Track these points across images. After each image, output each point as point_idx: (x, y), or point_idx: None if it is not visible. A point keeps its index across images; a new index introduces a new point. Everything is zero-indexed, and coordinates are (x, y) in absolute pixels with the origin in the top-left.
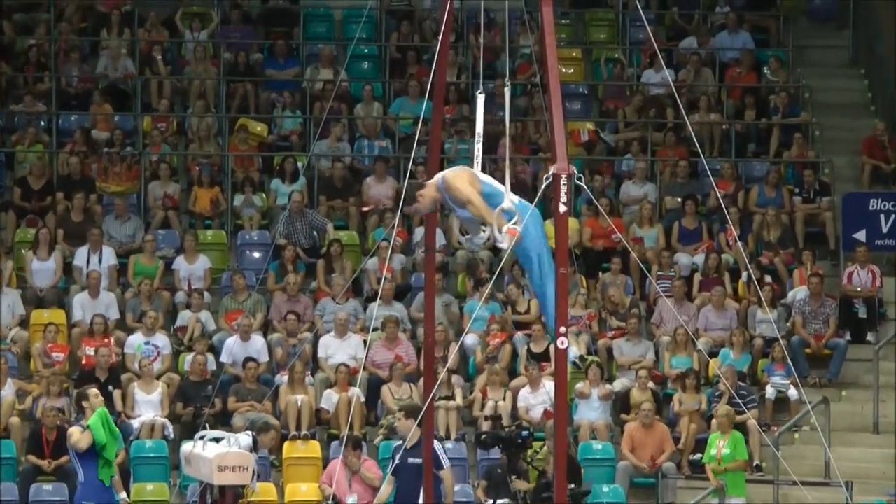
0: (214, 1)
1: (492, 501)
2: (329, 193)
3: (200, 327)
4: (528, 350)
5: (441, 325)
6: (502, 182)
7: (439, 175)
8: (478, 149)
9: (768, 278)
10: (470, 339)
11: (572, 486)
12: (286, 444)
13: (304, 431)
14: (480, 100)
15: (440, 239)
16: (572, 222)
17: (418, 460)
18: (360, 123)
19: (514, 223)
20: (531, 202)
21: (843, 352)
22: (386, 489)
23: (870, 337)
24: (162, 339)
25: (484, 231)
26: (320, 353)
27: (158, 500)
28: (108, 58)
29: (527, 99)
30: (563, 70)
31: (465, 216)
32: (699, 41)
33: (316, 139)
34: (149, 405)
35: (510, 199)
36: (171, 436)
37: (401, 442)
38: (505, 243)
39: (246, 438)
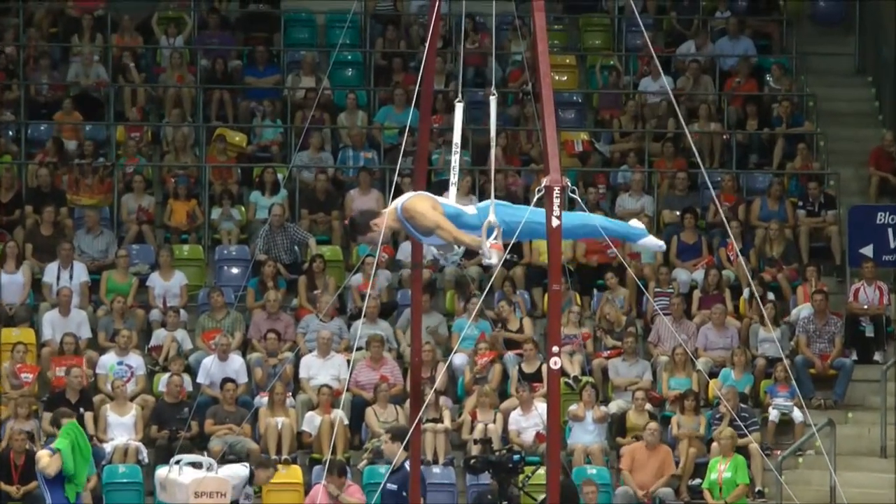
0: (191, 4)
1: None
2: (311, 206)
3: (176, 347)
4: (520, 370)
5: (428, 344)
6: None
7: (397, 202)
8: (455, 159)
9: (771, 295)
10: (459, 358)
11: None
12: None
13: (284, 456)
14: (459, 108)
15: (427, 255)
16: None
17: (394, 486)
18: (343, 133)
19: (496, 238)
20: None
21: (849, 372)
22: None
23: (877, 356)
24: (136, 360)
25: (458, 247)
26: (302, 374)
27: None
28: (80, 65)
29: (518, 108)
30: (556, 77)
31: (432, 243)
32: (697, 44)
33: (297, 150)
34: (122, 428)
35: (473, 210)
36: (146, 460)
37: (389, 466)
38: (494, 259)
39: (243, 469)
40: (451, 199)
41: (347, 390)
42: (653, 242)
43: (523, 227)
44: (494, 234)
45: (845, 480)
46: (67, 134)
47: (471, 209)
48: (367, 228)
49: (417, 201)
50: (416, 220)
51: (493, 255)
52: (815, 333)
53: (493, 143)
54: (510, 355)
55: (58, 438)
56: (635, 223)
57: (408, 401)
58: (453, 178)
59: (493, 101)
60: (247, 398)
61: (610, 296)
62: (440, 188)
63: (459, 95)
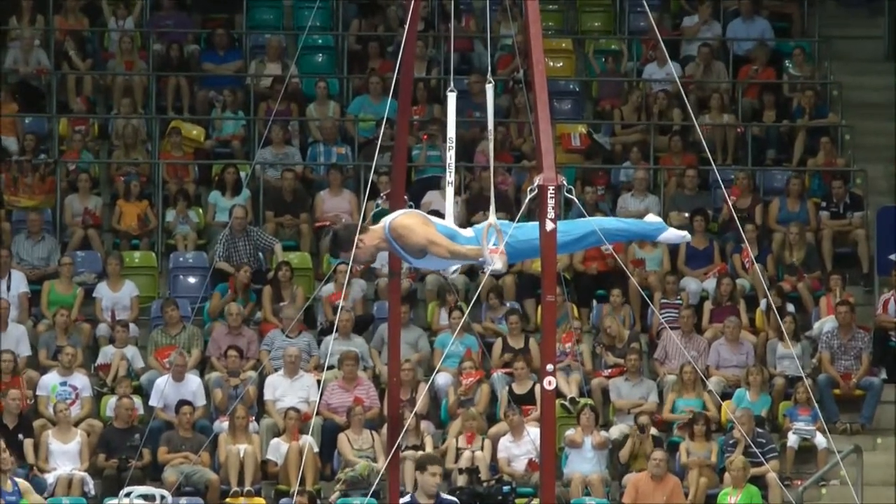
0: None
1: None
2: (277, 208)
3: (126, 365)
4: (510, 391)
5: (408, 362)
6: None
7: (385, 220)
8: (450, 156)
9: (791, 307)
10: (442, 378)
11: None
12: (227, 503)
13: (247, 487)
14: (451, 98)
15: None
16: None
17: None
18: (313, 126)
19: (496, 242)
20: (513, 218)
21: (877, 392)
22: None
23: None
24: (81, 380)
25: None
26: (266, 396)
27: None
28: (19, 50)
29: (508, 98)
30: (551, 64)
31: (425, 266)
32: (701, 16)
33: (261, 145)
34: (66, 457)
35: (470, 232)
36: (92, 492)
37: (364, 498)
38: (499, 265)
39: None
40: (448, 200)
41: (317, 414)
42: (675, 235)
43: (528, 246)
44: (494, 237)
45: None
46: (5, 128)
47: (467, 231)
48: (352, 245)
49: (406, 218)
50: (405, 239)
51: (496, 260)
52: (839, 349)
53: (490, 138)
54: (498, 375)
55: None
56: (651, 218)
57: (385, 426)
58: (449, 177)
59: (489, 89)
60: (205, 423)
61: (610, 310)
62: (421, 188)
63: (451, 84)
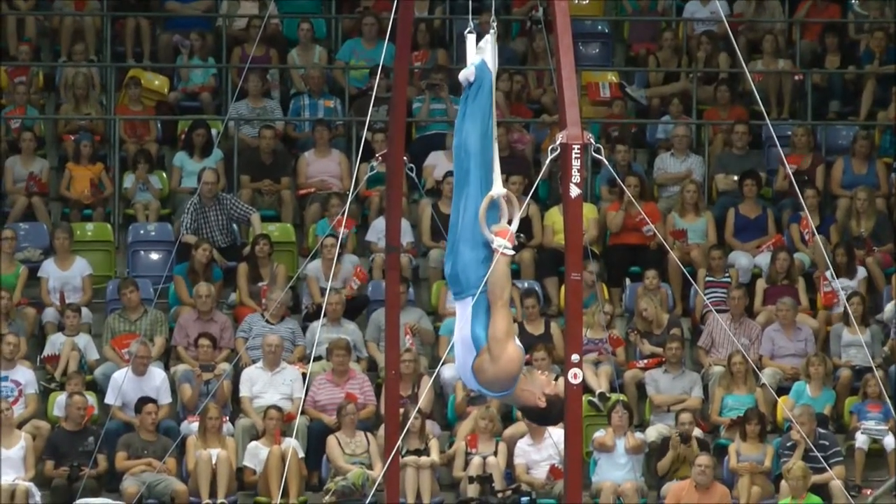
0: None
1: None
2: (254, 172)
3: (78, 357)
4: None
5: (409, 352)
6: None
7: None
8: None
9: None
10: (448, 371)
11: None
12: None
13: (220, 499)
14: (471, 40)
15: (406, 235)
16: (588, 209)
17: None
18: (295, 75)
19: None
20: (532, 182)
21: None
22: None
23: None
24: (25, 374)
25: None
26: (243, 392)
27: None
28: None
29: (525, 41)
30: (575, 1)
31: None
32: None
33: (235, 97)
34: (8, 464)
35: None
36: None
37: None
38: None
39: None
40: None
41: (302, 413)
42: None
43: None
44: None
45: None
46: None
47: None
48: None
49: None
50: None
51: (502, 242)
52: None
53: None
54: None
55: None
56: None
57: (382, 427)
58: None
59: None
60: (171, 424)
61: (646, 290)
62: (423, 148)
63: (470, 24)
